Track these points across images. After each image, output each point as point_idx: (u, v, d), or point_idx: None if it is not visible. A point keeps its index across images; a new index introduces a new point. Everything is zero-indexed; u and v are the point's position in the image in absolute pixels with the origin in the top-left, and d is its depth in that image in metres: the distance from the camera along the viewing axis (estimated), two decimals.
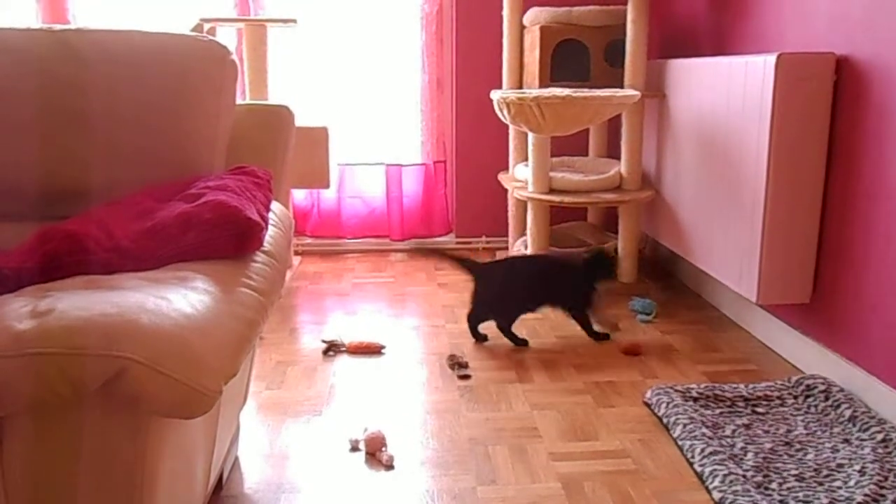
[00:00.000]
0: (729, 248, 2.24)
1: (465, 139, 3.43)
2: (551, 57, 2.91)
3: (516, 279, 2.33)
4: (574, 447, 1.70)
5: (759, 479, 1.52)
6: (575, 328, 2.43)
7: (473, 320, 2.35)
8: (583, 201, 2.70)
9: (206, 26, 2.80)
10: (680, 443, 1.68)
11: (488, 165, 3.46)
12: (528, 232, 2.81)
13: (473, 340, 2.34)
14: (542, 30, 2.88)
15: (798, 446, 1.65)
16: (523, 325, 2.48)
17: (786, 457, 1.61)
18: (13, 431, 0.84)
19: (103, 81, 1.36)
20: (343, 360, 2.22)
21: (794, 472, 1.55)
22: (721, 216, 2.30)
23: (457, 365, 2.14)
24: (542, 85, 2.91)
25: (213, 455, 1.32)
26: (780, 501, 1.44)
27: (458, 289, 2.91)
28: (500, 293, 2.32)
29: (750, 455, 1.61)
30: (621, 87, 2.92)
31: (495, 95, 2.62)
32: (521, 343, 2.32)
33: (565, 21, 2.90)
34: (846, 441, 1.67)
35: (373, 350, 2.28)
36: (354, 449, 1.71)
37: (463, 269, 2.35)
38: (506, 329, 2.33)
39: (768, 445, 1.65)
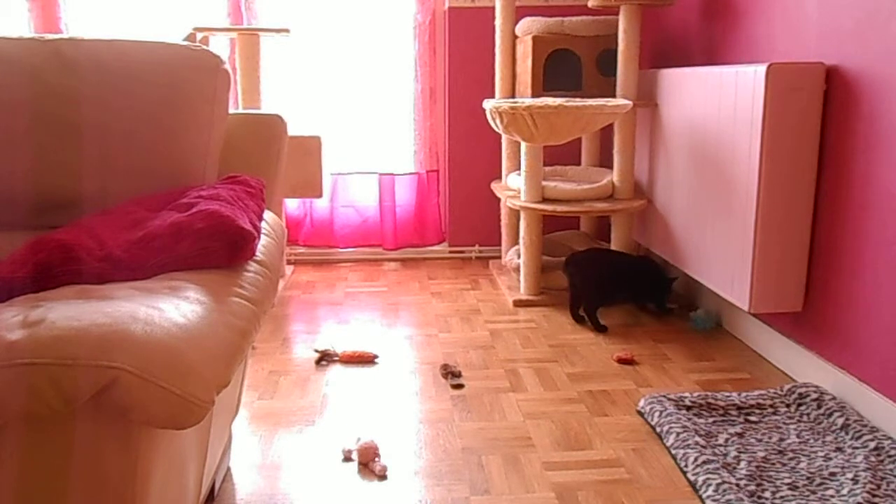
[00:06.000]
0: (721, 257, 2.25)
1: (457, 148, 3.44)
2: (544, 66, 2.93)
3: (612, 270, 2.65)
4: (568, 456, 1.70)
5: (752, 487, 1.52)
6: (569, 336, 2.44)
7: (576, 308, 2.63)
8: (575, 210, 2.70)
9: (200, 35, 2.80)
10: (673, 452, 1.68)
11: (481, 175, 3.46)
12: (521, 241, 2.81)
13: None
14: (535, 39, 2.89)
15: (791, 455, 1.66)
16: (516, 334, 2.49)
17: (779, 465, 1.61)
18: (4, 442, 0.83)
19: (95, 91, 1.36)
20: (336, 370, 2.21)
21: (787, 480, 1.55)
22: (713, 225, 2.31)
23: (450, 374, 2.14)
24: (535, 94, 2.92)
25: (205, 465, 1.31)
26: None
27: (451, 298, 2.91)
28: (594, 281, 2.61)
29: (743, 464, 1.61)
30: (613, 96, 2.93)
31: (488, 105, 2.62)
32: (601, 329, 2.52)
33: (558, 31, 2.92)
34: (839, 449, 1.68)
35: (366, 359, 2.27)
36: (347, 459, 1.71)
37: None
38: (592, 313, 2.57)
39: (761, 454, 1.65)
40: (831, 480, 1.55)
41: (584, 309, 2.59)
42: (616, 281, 2.63)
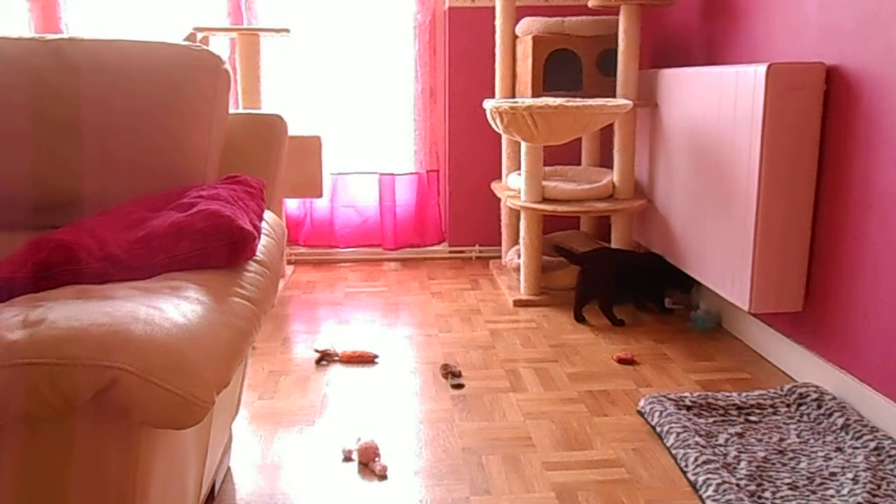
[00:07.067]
0: (721, 257, 2.25)
1: (458, 148, 3.44)
2: (544, 66, 2.93)
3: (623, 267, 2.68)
4: (568, 456, 1.70)
5: (752, 487, 1.52)
6: (570, 336, 2.44)
7: (580, 304, 2.65)
8: (576, 210, 2.70)
9: (200, 35, 2.80)
10: (673, 452, 1.68)
11: (481, 175, 3.46)
12: (521, 241, 2.81)
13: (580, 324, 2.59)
14: (535, 39, 2.89)
15: (791, 455, 1.66)
16: (516, 334, 2.49)
17: (779, 465, 1.61)
18: (4, 442, 0.83)
19: (96, 90, 1.36)
20: (336, 370, 2.21)
21: (787, 480, 1.55)
22: (713, 225, 2.31)
23: (450, 374, 2.14)
24: (535, 94, 2.92)
25: (205, 465, 1.31)
26: None
27: (451, 298, 2.91)
28: (609, 278, 2.64)
29: (743, 464, 1.61)
30: (614, 96, 2.93)
31: (488, 105, 2.62)
32: (619, 323, 2.57)
33: (558, 31, 2.92)
34: (839, 449, 1.68)
35: (366, 359, 2.27)
36: (347, 459, 1.71)
37: (570, 260, 2.68)
38: (608, 309, 2.61)
39: (761, 454, 1.65)
40: (831, 480, 1.55)
41: (600, 305, 2.61)
42: (632, 278, 2.66)
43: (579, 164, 3.37)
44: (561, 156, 3.38)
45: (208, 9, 3.26)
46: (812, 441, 1.72)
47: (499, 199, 3.41)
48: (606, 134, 3.21)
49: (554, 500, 1.53)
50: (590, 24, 2.92)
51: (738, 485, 1.52)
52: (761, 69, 1.97)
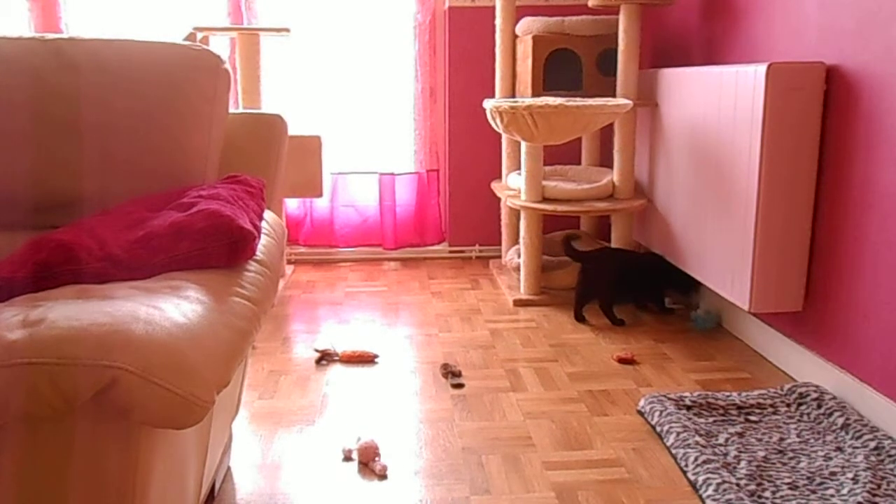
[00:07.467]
0: (721, 257, 2.25)
1: (458, 148, 3.44)
2: (544, 66, 2.93)
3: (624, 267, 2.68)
4: (568, 456, 1.70)
5: (752, 487, 1.52)
6: (570, 336, 2.44)
7: (581, 303, 2.65)
8: (576, 210, 2.70)
9: (200, 35, 2.80)
10: (673, 451, 1.68)
11: (481, 174, 3.46)
12: (521, 241, 2.81)
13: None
14: (535, 39, 2.89)
15: (791, 454, 1.66)
16: (516, 334, 2.49)
17: (779, 465, 1.61)
18: (4, 442, 0.83)
19: (96, 90, 1.36)
20: (336, 370, 2.21)
21: (787, 480, 1.55)
22: (713, 224, 2.31)
23: (450, 374, 2.14)
24: (535, 94, 2.92)
25: (205, 465, 1.31)
26: None
27: (451, 298, 2.91)
28: (609, 278, 2.64)
29: (743, 463, 1.61)
30: (614, 96, 2.93)
31: (488, 104, 2.62)
32: (619, 323, 2.57)
33: (558, 31, 2.92)
34: (839, 449, 1.68)
35: (366, 359, 2.27)
36: (347, 459, 1.71)
37: (572, 258, 2.67)
38: (608, 309, 2.61)
39: (761, 454, 1.65)
40: (831, 480, 1.55)
41: (600, 305, 2.61)
42: (632, 278, 2.66)
43: (579, 163, 3.37)
44: (561, 156, 3.38)
45: (208, 9, 3.26)
46: (812, 441, 1.72)
47: (499, 199, 3.41)
48: (606, 134, 3.21)
49: (554, 500, 1.53)
50: (590, 23, 2.92)
51: (738, 484, 1.52)
52: (761, 69, 1.97)
